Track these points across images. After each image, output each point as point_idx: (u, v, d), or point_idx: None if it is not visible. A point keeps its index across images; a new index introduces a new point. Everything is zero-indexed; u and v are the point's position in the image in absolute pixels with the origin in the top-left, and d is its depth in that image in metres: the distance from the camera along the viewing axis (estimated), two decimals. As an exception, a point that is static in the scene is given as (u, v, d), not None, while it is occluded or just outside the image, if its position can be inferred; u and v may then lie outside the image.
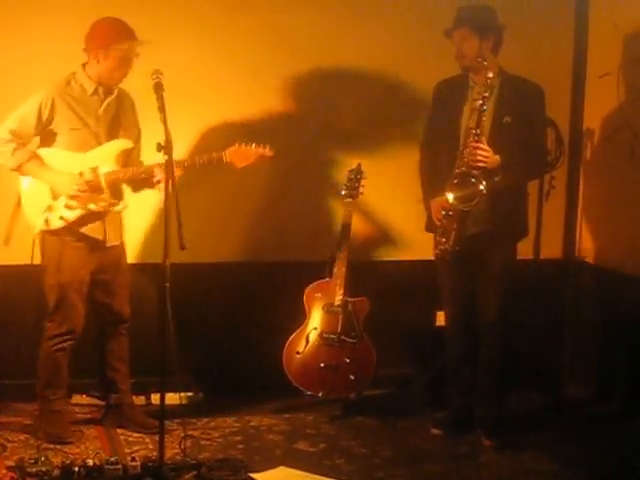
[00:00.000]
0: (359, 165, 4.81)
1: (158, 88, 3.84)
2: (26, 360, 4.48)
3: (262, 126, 4.90)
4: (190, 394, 4.84)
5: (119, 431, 4.47)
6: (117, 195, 4.29)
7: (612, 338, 5.05)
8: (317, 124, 5.02)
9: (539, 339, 5.27)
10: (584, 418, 4.90)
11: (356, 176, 4.80)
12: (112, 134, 4.26)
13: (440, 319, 4.95)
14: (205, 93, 4.80)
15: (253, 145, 4.27)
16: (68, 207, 4.18)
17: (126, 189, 4.39)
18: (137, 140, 4.39)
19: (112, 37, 4.11)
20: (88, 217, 4.23)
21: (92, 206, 4.20)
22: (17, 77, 4.48)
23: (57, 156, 4.20)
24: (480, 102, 4.23)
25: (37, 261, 4.28)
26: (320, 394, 4.76)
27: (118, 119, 4.29)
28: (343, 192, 4.80)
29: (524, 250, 4.80)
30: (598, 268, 5.18)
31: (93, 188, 4.18)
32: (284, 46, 4.90)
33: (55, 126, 4.18)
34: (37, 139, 4.23)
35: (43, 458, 3.89)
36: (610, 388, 5.05)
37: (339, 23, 4.96)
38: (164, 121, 3.76)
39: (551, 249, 5.31)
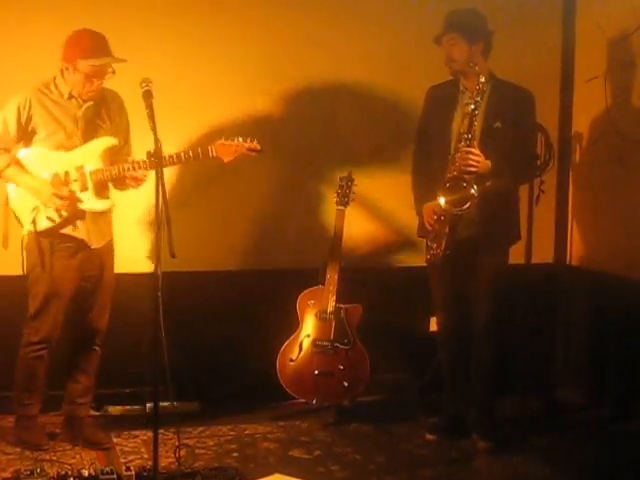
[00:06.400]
0: (350, 172, 4.83)
1: (147, 96, 3.80)
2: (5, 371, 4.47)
3: (254, 134, 4.92)
4: (185, 403, 4.82)
5: (115, 441, 4.46)
6: (103, 194, 4.26)
7: (604, 341, 5.06)
8: (309, 132, 5.04)
9: (531, 343, 5.29)
10: (577, 422, 4.91)
11: (347, 183, 4.81)
12: (90, 136, 4.22)
13: (434, 325, 4.94)
14: (199, 101, 4.83)
15: (240, 139, 4.25)
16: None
17: (112, 189, 4.35)
18: (126, 140, 4.36)
19: (80, 52, 4.07)
20: (73, 217, 4.20)
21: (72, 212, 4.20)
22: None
23: (42, 156, 4.17)
24: (472, 107, 4.25)
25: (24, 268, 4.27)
26: (314, 401, 4.77)
27: (99, 121, 4.25)
28: (335, 199, 4.82)
29: (515, 255, 4.81)
30: (589, 271, 5.19)
31: (72, 197, 4.15)
32: (278, 54, 4.93)
33: (33, 127, 4.16)
34: (20, 146, 4.20)
35: (39, 469, 3.89)
36: (602, 391, 5.06)
37: (331, 31, 4.99)
38: (153, 129, 3.74)
39: (542, 253, 5.32)
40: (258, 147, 4.27)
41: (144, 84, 3.84)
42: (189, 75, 4.81)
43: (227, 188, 4.95)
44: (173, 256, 3.60)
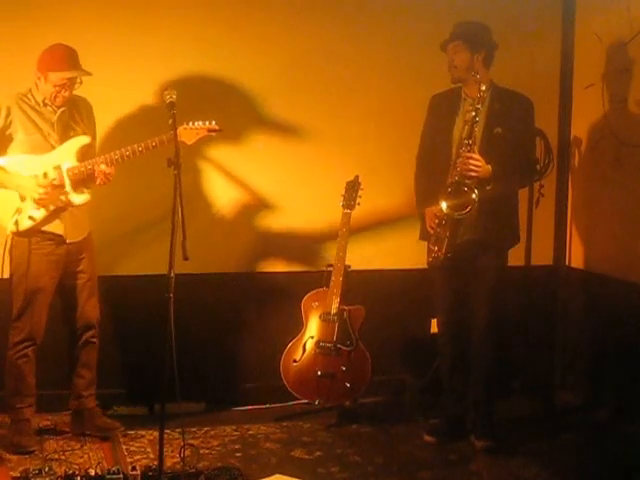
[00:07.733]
0: (357, 177, 4.88)
1: (171, 107, 3.99)
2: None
3: (257, 137, 5.01)
4: (192, 403, 4.88)
5: (122, 440, 4.53)
6: (80, 189, 4.38)
7: (603, 344, 5.09)
8: (315, 136, 5.09)
9: (531, 345, 5.33)
10: (575, 424, 4.92)
11: (354, 187, 4.87)
12: (66, 138, 4.37)
13: (435, 326, 4.95)
14: (193, 103, 4.83)
15: (200, 122, 4.34)
16: (35, 207, 4.30)
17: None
18: (93, 143, 4.51)
19: (51, 65, 4.26)
20: (52, 215, 4.34)
21: (53, 207, 4.32)
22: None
23: (20, 161, 4.32)
24: (473, 114, 4.33)
25: (7, 272, 4.37)
26: (317, 402, 4.82)
27: (72, 124, 4.41)
28: (341, 203, 4.87)
29: (515, 257, 4.87)
30: (588, 274, 5.24)
31: (55, 188, 4.29)
32: (283, 60, 4.99)
33: (12, 132, 4.32)
34: None
35: (47, 468, 3.95)
36: (601, 394, 5.09)
37: (335, 34, 5.06)
38: (175, 137, 3.91)
39: (541, 256, 5.37)
40: (217, 127, 4.38)
41: (168, 95, 4.01)
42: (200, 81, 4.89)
43: (232, 192, 5.02)
44: (186, 259, 3.68)
